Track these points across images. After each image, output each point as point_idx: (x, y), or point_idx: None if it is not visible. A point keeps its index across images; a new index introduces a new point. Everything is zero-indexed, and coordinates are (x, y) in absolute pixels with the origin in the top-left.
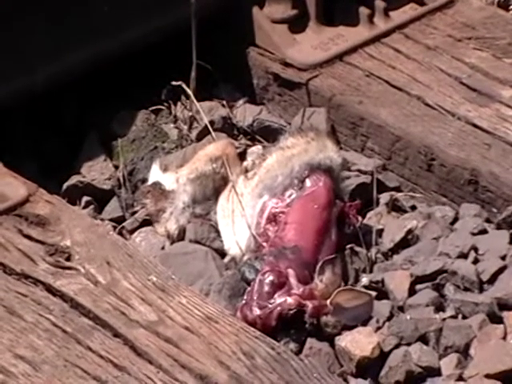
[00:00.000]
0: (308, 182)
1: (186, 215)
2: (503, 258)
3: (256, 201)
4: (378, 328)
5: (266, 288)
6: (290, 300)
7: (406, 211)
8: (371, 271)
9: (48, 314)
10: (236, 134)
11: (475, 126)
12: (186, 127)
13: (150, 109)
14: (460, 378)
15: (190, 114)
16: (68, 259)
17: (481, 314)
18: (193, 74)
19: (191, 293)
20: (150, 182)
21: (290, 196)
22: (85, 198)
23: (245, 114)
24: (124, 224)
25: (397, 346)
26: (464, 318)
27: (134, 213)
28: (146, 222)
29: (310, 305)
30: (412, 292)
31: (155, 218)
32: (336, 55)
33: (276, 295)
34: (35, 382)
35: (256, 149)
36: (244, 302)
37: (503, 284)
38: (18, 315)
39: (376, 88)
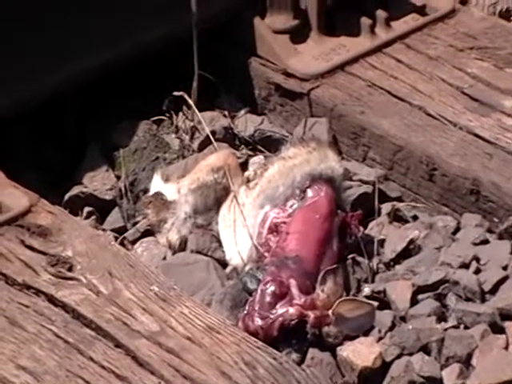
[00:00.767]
0: (309, 192)
1: (187, 225)
2: (505, 268)
3: (258, 211)
4: (380, 338)
5: (268, 298)
6: (291, 310)
7: (407, 221)
8: (373, 281)
9: (50, 325)
10: (237, 144)
11: (477, 135)
12: (187, 137)
13: (152, 119)
14: None
15: (192, 124)
16: (70, 270)
17: (483, 324)
18: (194, 84)
19: (193, 303)
20: (151, 193)
21: (291, 206)
22: (86, 209)
23: (246, 124)
24: (126, 234)
25: (399, 356)
26: (466, 328)
27: (136, 223)
28: (148, 233)
29: (311, 315)
30: (414, 302)
31: (157, 229)
32: (338, 65)
33: (278, 305)
34: None
35: (257, 159)
36: (246, 312)
37: (505, 294)
38: (19, 326)
39: (378, 98)
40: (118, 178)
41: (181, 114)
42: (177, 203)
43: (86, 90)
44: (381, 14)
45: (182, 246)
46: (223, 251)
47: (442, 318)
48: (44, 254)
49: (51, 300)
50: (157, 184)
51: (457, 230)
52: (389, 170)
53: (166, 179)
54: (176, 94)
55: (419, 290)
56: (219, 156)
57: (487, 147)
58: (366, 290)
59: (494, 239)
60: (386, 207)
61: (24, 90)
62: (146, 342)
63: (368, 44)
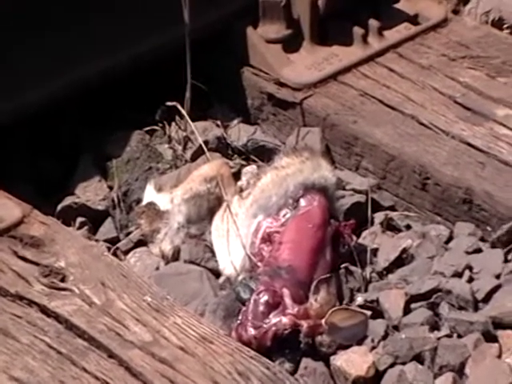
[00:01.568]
0: (302, 202)
1: (180, 235)
2: (498, 276)
3: (251, 220)
4: (373, 347)
5: (261, 308)
6: (284, 320)
7: (400, 230)
8: (366, 290)
9: (43, 336)
10: (230, 153)
11: (469, 144)
12: (180, 147)
13: (145, 129)
14: None
15: (185, 134)
16: (63, 280)
17: (476, 332)
18: (187, 94)
19: (186, 313)
20: (144, 203)
21: (284, 216)
22: (79, 219)
23: (239, 133)
24: (118, 245)
25: (392, 366)
26: (459, 336)
27: (129, 233)
28: (141, 243)
29: (304, 324)
30: (407, 311)
31: (150, 239)
32: (330, 75)
33: (271, 315)
34: None
35: (250, 168)
36: (239, 322)
37: (498, 303)
38: (12, 337)
39: (370, 107)
40: (111, 188)
41: (174, 124)
42: (170, 213)
43: (80, 101)
44: (373, 23)
45: (175, 255)
46: (216, 261)
47: (435, 327)
48: (37, 264)
49: (44, 311)
50: (150, 194)
51: (450, 238)
52: (382, 179)
53: (159, 189)
54: (169, 104)
55: (412, 298)
56: (212, 166)
57: (480, 156)
58: (359, 299)
59: (487, 248)
60: (378, 216)
61: (18, 99)
62: (139, 352)
63: (360, 53)
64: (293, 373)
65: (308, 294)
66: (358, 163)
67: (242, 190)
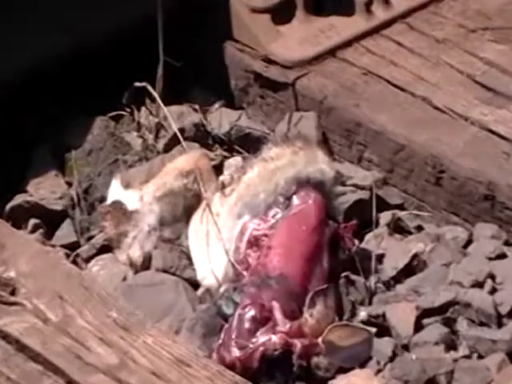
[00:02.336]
0: (295, 200)
1: (152, 240)
2: None
3: (235, 222)
4: (379, 370)
5: (247, 324)
6: (274, 338)
7: (410, 233)
8: (370, 303)
9: None
10: (211, 143)
11: (491, 131)
12: (151, 136)
13: (109, 115)
14: None
15: (157, 120)
16: (12, 293)
17: (499, 353)
18: (159, 73)
19: (159, 331)
20: (109, 202)
21: (274, 216)
22: (32, 221)
23: (221, 119)
24: (79, 251)
25: None
26: (480, 357)
27: (91, 238)
28: (105, 249)
29: (298, 344)
30: (418, 328)
31: (116, 244)
32: (328, 50)
33: (258, 333)
34: None
35: (234, 161)
36: (221, 341)
37: None
38: None
39: (375, 88)
40: (70, 184)
41: (143, 108)
42: (139, 213)
43: (32, 83)
44: None
45: (146, 263)
46: (194, 270)
47: (451, 347)
48: None
49: None
50: (116, 191)
51: (468, 242)
52: (388, 172)
53: (127, 185)
54: (138, 84)
55: (424, 313)
56: (189, 158)
57: (504, 145)
58: (362, 313)
59: None
60: (385, 216)
61: None
62: (103, 377)
63: (363, 25)
64: None
65: (302, 307)
66: (361, 154)
67: (224, 187)
